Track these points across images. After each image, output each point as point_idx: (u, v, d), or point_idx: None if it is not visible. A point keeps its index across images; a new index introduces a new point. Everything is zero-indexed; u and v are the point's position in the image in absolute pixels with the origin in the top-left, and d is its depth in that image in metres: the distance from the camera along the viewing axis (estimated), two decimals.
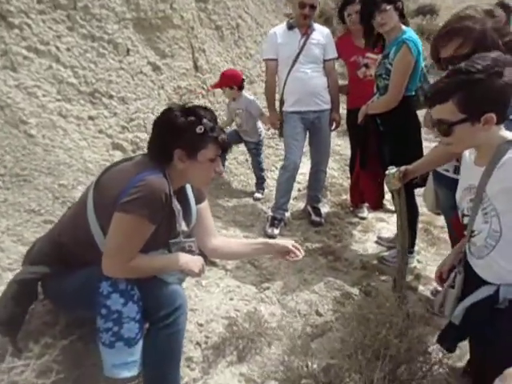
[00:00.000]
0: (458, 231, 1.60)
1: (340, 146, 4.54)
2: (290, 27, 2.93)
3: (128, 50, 3.28)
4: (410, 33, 2.32)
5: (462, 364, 1.94)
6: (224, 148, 1.46)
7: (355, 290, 2.48)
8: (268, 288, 2.38)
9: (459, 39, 1.45)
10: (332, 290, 2.45)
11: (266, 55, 3.09)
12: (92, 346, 1.50)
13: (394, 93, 2.36)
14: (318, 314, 2.23)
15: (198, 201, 1.61)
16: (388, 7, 2.26)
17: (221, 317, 2.07)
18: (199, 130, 1.38)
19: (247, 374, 1.82)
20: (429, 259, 2.94)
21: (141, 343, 1.41)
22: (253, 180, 3.72)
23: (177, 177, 1.45)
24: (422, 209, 2.80)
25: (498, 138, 1.25)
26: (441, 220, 3.28)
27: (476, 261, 1.38)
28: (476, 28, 1.43)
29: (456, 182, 2.19)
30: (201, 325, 1.99)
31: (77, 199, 2.26)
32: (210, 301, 2.16)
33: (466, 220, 1.41)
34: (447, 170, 2.20)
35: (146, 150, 3.21)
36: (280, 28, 3.02)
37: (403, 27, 2.35)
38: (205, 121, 1.39)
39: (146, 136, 3.15)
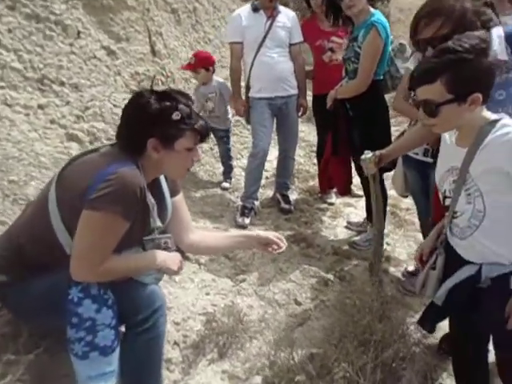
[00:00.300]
0: (437, 213, 1.61)
1: (304, 132, 4.51)
2: (255, 9, 2.82)
3: (78, 33, 3.02)
4: (378, 15, 2.29)
5: (435, 341, 1.99)
6: (203, 136, 1.35)
7: (330, 276, 2.48)
8: (244, 280, 2.31)
9: (440, 19, 1.42)
10: (308, 278, 2.42)
11: (231, 38, 2.96)
12: (62, 355, 1.36)
13: (363, 77, 2.34)
14: (297, 303, 2.19)
15: (173, 193, 1.49)
16: None
17: (198, 313, 1.98)
18: (176, 116, 1.25)
19: (230, 371, 1.75)
20: (397, 241, 2.99)
21: (118, 351, 1.29)
22: (219, 169, 3.61)
23: (151, 168, 1.33)
24: (388, 192, 2.85)
25: (481, 119, 1.24)
26: (406, 203, 3.37)
27: (458, 241, 1.38)
28: (456, 8, 1.41)
29: (425, 164, 2.25)
30: (177, 323, 1.88)
31: (30, 196, 2.07)
32: (185, 297, 2.05)
33: (447, 201, 1.40)
34: (416, 153, 2.22)
35: (104, 142, 3.04)
36: (244, 10, 2.90)
37: (371, 10, 2.32)
38: (181, 106, 1.27)
39: (103, 125, 2.94)
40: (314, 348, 1.84)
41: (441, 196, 1.44)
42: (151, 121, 1.26)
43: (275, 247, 1.53)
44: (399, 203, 3.39)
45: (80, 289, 1.23)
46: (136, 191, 1.21)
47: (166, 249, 1.41)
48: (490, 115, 1.25)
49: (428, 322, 1.63)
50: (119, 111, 3.36)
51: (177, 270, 1.39)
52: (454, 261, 1.40)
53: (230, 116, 3.42)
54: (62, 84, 2.79)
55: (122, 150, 1.30)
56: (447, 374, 1.85)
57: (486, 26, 1.45)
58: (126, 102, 1.35)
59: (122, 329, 1.38)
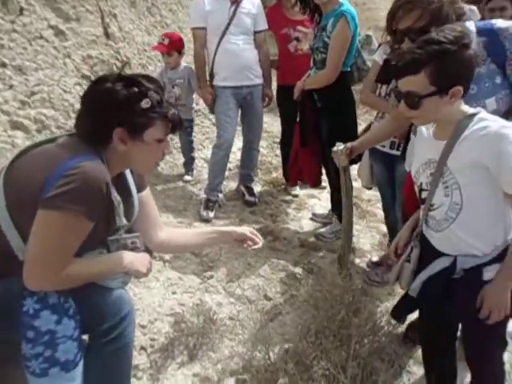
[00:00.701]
0: (409, 206, 1.60)
1: (267, 123, 4.44)
2: None
3: (21, 9, 2.72)
4: (347, 5, 2.26)
5: (401, 329, 2.02)
6: (175, 125, 1.23)
7: (299, 270, 2.45)
8: (212, 276, 2.22)
9: (418, 11, 1.40)
10: (277, 272, 2.38)
11: (194, 23, 2.81)
12: (18, 373, 1.20)
13: (332, 67, 2.30)
14: (267, 298, 2.14)
15: (140, 188, 1.36)
16: None
17: (165, 314, 1.87)
18: (145, 104, 1.12)
19: (202, 374, 1.67)
20: (360, 232, 3.03)
21: (81, 364, 1.16)
22: (179, 161, 3.46)
23: (116, 161, 1.19)
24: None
25: (459, 113, 1.24)
26: (368, 194, 3.43)
27: (434, 234, 1.38)
28: (434, 0, 1.39)
29: (392, 157, 2.27)
30: (144, 326, 1.77)
31: None
32: (150, 298, 1.93)
33: (424, 194, 1.40)
34: (383, 146, 2.24)
35: (54, 130, 2.78)
36: None
37: None
38: (151, 93, 1.14)
39: (53, 113, 2.69)
40: (287, 344, 1.80)
41: (417, 189, 1.43)
42: (118, 109, 1.12)
43: (250, 243, 1.45)
44: (361, 194, 3.44)
45: (36, 299, 1.09)
46: (101, 187, 1.08)
47: (134, 249, 1.28)
48: (467, 109, 1.26)
49: (401, 313, 1.65)
50: (70, 97, 3.11)
51: (146, 272, 1.28)
52: (429, 253, 1.41)
53: (194, 105, 3.27)
54: (4, 66, 2.51)
55: (83, 140, 1.16)
56: (414, 362, 1.88)
57: (461, 20, 1.45)
58: (86, 87, 1.19)
59: (85, 337, 1.25)
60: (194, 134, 3.48)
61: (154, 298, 1.94)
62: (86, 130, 1.16)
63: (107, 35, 3.41)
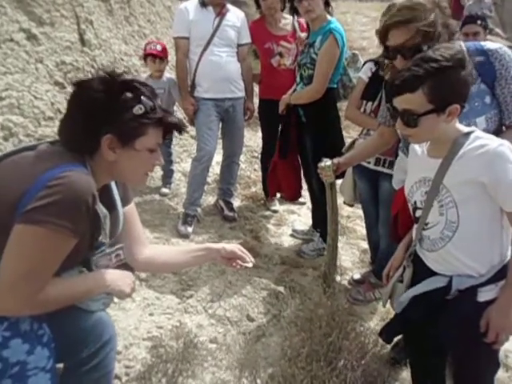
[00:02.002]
0: (403, 225, 1.57)
1: (245, 136, 4.39)
2: (203, 4, 2.64)
3: None
4: (335, 23, 2.27)
5: (385, 350, 1.98)
6: (169, 132, 1.14)
7: (281, 288, 2.37)
8: (191, 296, 2.10)
9: (411, 28, 1.40)
10: (259, 291, 2.29)
11: (177, 33, 2.74)
12: None
13: (319, 83, 2.29)
14: (250, 319, 2.05)
15: (124, 202, 1.26)
16: None
17: (141, 338, 1.74)
18: (138, 110, 1.04)
19: None
20: (341, 249, 2.97)
21: None
22: (156, 173, 3.34)
23: (103, 171, 1.09)
24: None
25: (455, 131, 1.24)
26: (347, 210, 3.42)
27: (428, 254, 1.36)
28: (427, 19, 1.39)
29: (377, 173, 2.27)
30: (118, 353, 1.62)
31: None
32: (126, 320, 1.79)
33: (418, 213, 1.37)
34: (368, 162, 2.23)
35: (21, 138, 2.61)
36: (191, 3, 2.70)
37: (328, 17, 2.29)
38: (144, 98, 1.05)
39: (21, 120, 2.54)
40: (272, 368, 1.71)
41: (410, 207, 1.40)
42: (107, 115, 1.02)
43: (240, 263, 1.36)
44: (340, 211, 3.41)
45: (6, 326, 0.95)
46: (87, 200, 0.97)
47: (119, 261, 1.18)
48: (462, 127, 1.27)
49: (390, 334, 1.60)
50: (41, 104, 2.95)
51: (130, 292, 1.16)
52: (422, 273, 1.37)
53: None
54: None
55: (67, 148, 1.05)
56: None
57: (453, 39, 1.46)
58: (58, 94, 1.09)
59: (60, 365, 1.11)
60: (172, 146, 3.38)
61: (130, 320, 1.81)
62: (72, 137, 1.06)
63: (83, 42, 3.29)
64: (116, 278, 1.13)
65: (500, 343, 1.22)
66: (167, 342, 1.73)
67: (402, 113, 1.21)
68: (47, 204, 0.92)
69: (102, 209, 1.07)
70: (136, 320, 1.82)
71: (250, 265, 1.34)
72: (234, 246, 1.36)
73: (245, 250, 1.38)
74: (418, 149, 1.39)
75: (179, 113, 3.26)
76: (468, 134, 1.22)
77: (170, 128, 1.12)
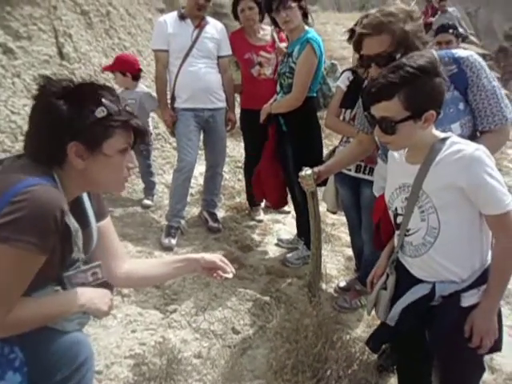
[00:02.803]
0: (385, 232, 1.57)
1: (228, 147, 4.38)
2: (182, 17, 2.65)
3: None
4: (312, 33, 2.30)
5: (373, 357, 1.97)
6: (138, 134, 1.10)
7: (266, 298, 2.35)
8: (175, 310, 2.06)
9: (385, 38, 1.42)
10: (244, 302, 2.26)
11: (156, 45, 2.74)
12: None
13: (298, 92, 2.31)
14: (235, 331, 2.02)
15: (100, 217, 1.22)
16: (293, 4, 2.21)
17: (124, 357, 1.69)
18: (100, 113, 1.01)
19: None
20: (326, 257, 2.99)
21: None
22: (138, 186, 3.31)
23: (74, 182, 1.06)
24: None
25: (432, 137, 1.25)
26: (331, 218, 3.43)
27: (410, 260, 1.36)
28: (399, 28, 1.42)
29: (357, 180, 2.28)
30: (99, 372, 1.58)
31: None
32: (107, 338, 1.74)
33: (399, 219, 1.38)
34: (349, 169, 2.25)
35: None
36: (170, 17, 2.71)
37: (306, 27, 2.32)
38: (105, 101, 1.02)
39: None
40: (258, 381, 1.68)
41: (391, 214, 1.41)
42: (70, 120, 0.99)
43: (221, 273, 1.33)
44: (325, 218, 3.43)
45: None
46: (54, 215, 0.94)
47: (96, 280, 1.14)
48: (439, 133, 1.28)
49: (377, 343, 1.59)
50: (18, 118, 2.91)
51: (107, 311, 1.13)
52: (405, 280, 1.37)
53: (150, 129, 3.17)
54: None
55: (33, 161, 1.02)
56: None
57: (425, 48, 1.48)
58: (32, 103, 1.06)
59: None
60: (153, 158, 3.35)
61: (111, 338, 1.76)
62: (36, 149, 1.03)
63: (61, 55, 3.26)
64: (92, 296, 1.09)
65: (484, 348, 1.22)
66: (150, 358, 1.69)
67: (380, 120, 1.22)
68: (11, 221, 0.89)
69: (73, 223, 1.04)
70: (118, 337, 1.77)
71: (231, 275, 1.31)
72: (214, 256, 1.33)
73: (226, 260, 1.34)
74: (396, 155, 1.40)
75: (151, 126, 3.25)
76: (444, 139, 1.24)
77: (136, 132, 1.09)
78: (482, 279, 1.22)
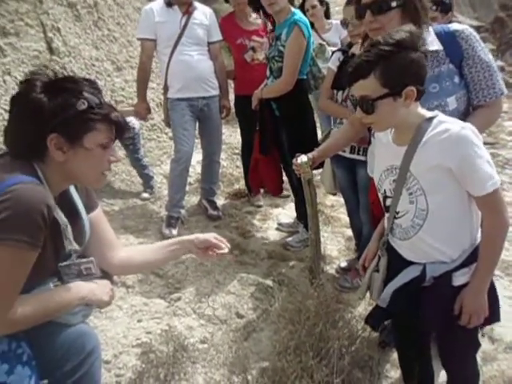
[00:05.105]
0: (378, 208, 1.58)
1: (225, 134, 4.38)
2: (169, 4, 2.60)
3: None
4: (299, 14, 2.27)
5: (375, 334, 2.00)
6: (119, 128, 1.10)
7: (269, 282, 2.38)
8: (179, 298, 2.10)
9: None
10: (247, 287, 2.30)
11: (141, 34, 2.70)
12: None
13: (288, 75, 2.29)
14: (239, 316, 2.05)
15: (90, 209, 1.24)
16: None
17: (131, 346, 1.73)
18: (81, 105, 1.01)
19: None
20: (327, 238, 3.02)
21: None
22: (137, 178, 3.31)
23: (57, 176, 1.06)
24: None
25: (417, 116, 1.22)
26: (331, 199, 3.45)
27: (400, 242, 1.34)
28: None
29: (353, 161, 2.29)
30: (108, 362, 1.62)
31: None
32: (114, 329, 1.78)
33: (388, 202, 1.36)
34: (344, 151, 2.25)
35: None
36: (157, 4, 2.66)
37: (292, 9, 2.29)
38: (86, 94, 1.02)
39: None
40: (264, 363, 1.73)
41: (381, 196, 1.40)
42: (51, 113, 0.99)
43: (216, 251, 1.31)
44: (324, 201, 3.45)
45: None
46: (41, 210, 0.95)
47: (89, 275, 1.16)
48: (425, 112, 1.24)
49: (376, 321, 1.62)
50: None
51: (109, 300, 1.16)
52: (397, 262, 1.36)
53: (132, 123, 3.08)
54: None
55: (15, 158, 1.02)
56: (391, 366, 1.87)
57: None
58: (12, 97, 1.05)
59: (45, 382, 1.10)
60: (148, 149, 3.35)
61: (118, 328, 1.80)
62: (17, 144, 1.03)
63: (51, 50, 3.23)
64: (92, 287, 1.12)
65: (472, 325, 1.22)
66: (157, 346, 1.73)
67: (359, 100, 1.19)
68: None
69: (61, 217, 1.05)
70: (124, 328, 1.81)
71: (226, 250, 1.30)
72: (207, 235, 1.32)
73: (220, 237, 1.34)
74: (383, 137, 1.37)
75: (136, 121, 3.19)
76: (431, 118, 1.20)
77: (118, 125, 1.09)
78: (472, 258, 1.22)
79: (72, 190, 1.19)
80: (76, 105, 1.01)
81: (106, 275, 1.26)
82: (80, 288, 1.10)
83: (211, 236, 1.32)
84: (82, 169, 1.08)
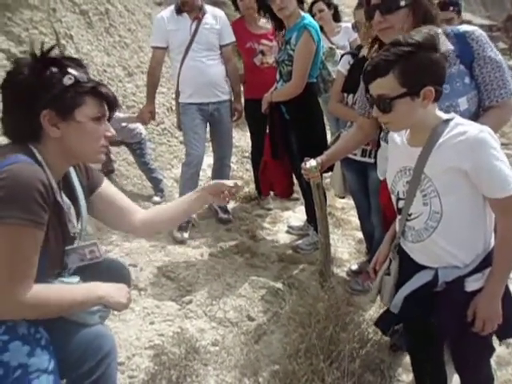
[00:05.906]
0: (390, 211, 1.57)
1: (235, 137, 4.41)
2: (179, 11, 2.64)
3: None
4: (309, 19, 2.28)
5: (386, 337, 1.99)
6: (109, 102, 1.13)
7: (279, 285, 2.39)
8: (191, 301, 2.12)
9: None
10: (258, 290, 2.31)
11: (153, 42, 2.76)
12: None
13: (298, 79, 2.30)
14: (250, 318, 2.06)
15: (95, 186, 1.27)
16: None
17: (144, 348, 1.75)
18: (68, 80, 1.03)
19: None
20: (337, 241, 3.02)
21: None
22: (148, 182, 3.35)
23: (55, 156, 1.08)
24: None
25: (434, 118, 1.22)
26: (341, 202, 3.44)
27: (412, 245, 1.32)
28: None
29: (364, 164, 2.28)
30: (121, 364, 1.64)
31: None
32: (126, 331, 1.81)
33: (401, 204, 1.36)
34: (355, 154, 2.25)
35: None
36: (168, 12, 2.70)
37: (302, 13, 2.30)
38: (71, 70, 1.05)
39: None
40: (275, 366, 1.73)
41: (394, 198, 1.39)
42: (39, 91, 1.02)
43: (233, 190, 1.37)
44: (334, 203, 3.45)
45: (4, 330, 0.97)
46: (38, 187, 0.97)
47: (93, 259, 1.20)
48: (442, 114, 1.23)
49: (386, 325, 1.60)
50: None
51: (127, 303, 1.18)
52: (408, 266, 1.35)
53: (138, 129, 3.15)
54: None
55: (12, 140, 1.06)
56: (402, 369, 1.85)
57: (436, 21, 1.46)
58: (1, 85, 1.08)
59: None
60: (159, 153, 3.39)
61: (131, 330, 1.82)
62: (11, 126, 1.07)
63: None
64: (110, 290, 1.14)
65: (486, 331, 1.20)
66: (169, 348, 1.75)
67: (377, 98, 1.19)
68: None
69: (65, 199, 1.08)
70: (137, 330, 1.84)
71: (240, 182, 1.41)
72: (219, 181, 1.41)
73: (229, 182, 1.40)
74: (397, 138, 1.37)
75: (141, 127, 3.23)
76: (448, 120, 1.19)
77: (107, 100, 1.11)
78: (485, 263, 1.20)
79: (73, 175, 1.22)
80: (63, 80, 1.04)
81: (125, 281, 1.29)
82: (98, 287, 1.13)
83: (223, 181, 1.41)
84: (79, 144, 1.10)
